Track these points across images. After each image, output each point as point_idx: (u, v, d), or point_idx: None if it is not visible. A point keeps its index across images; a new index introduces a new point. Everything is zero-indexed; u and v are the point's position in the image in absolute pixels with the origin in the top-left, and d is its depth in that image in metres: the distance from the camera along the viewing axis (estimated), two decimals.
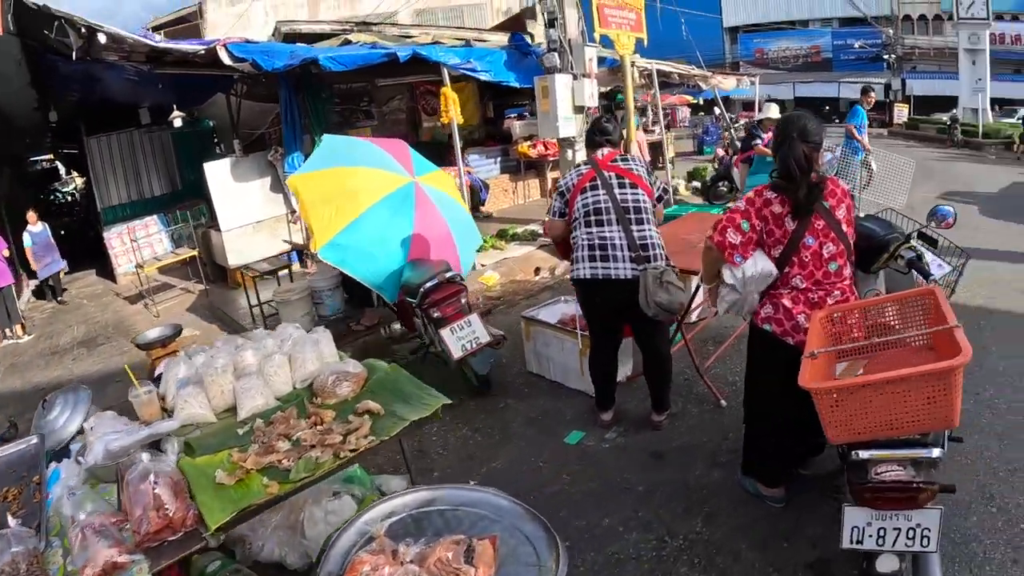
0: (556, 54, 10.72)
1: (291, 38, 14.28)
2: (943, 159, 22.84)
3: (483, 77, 11.61)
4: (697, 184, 16.64)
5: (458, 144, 11.19)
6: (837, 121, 43.50)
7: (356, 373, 3.88)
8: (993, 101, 30.82)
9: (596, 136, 5.04)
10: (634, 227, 4.63)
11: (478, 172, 15.50)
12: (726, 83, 17.34)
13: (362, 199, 6.55)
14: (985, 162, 22.53)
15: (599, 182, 4.74)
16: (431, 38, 13.90)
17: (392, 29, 15.70)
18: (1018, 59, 42.39)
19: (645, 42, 12.11)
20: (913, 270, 3.82)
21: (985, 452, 4.55)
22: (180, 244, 14.01)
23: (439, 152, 12.21)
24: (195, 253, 12.26)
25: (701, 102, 38.17)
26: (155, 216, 14.69)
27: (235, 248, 11.12)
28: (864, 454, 2.82)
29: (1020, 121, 33.41)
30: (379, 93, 15.81)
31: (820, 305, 3.44)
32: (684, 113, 39.39)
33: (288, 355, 4.01)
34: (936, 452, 2.77)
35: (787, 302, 3.52)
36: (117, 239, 14.27)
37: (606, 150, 4.96)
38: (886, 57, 40.97)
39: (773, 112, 11.81)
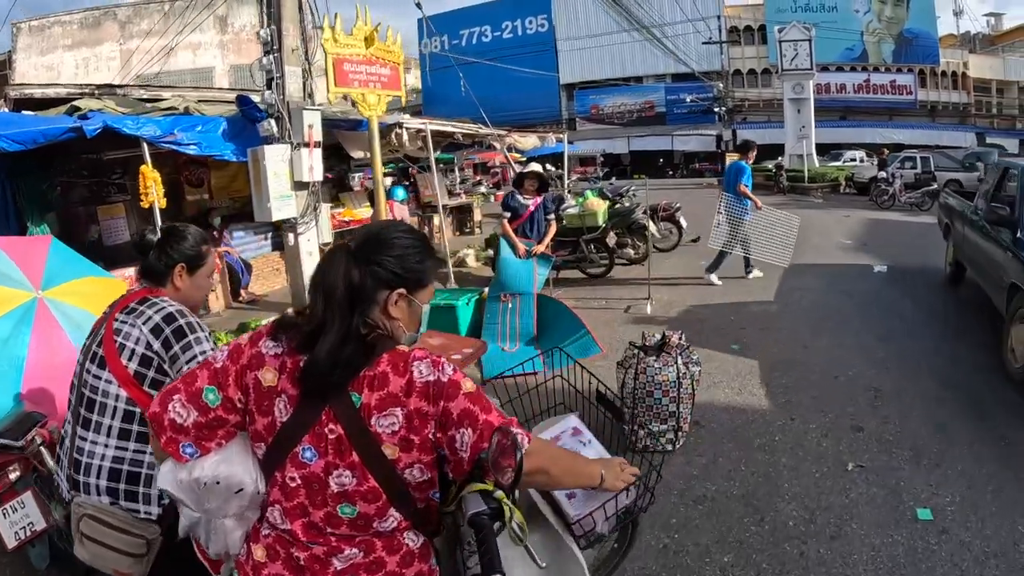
0: (274, 121, 8.63)
1: (22, 104, 11.86)
2: (767, 207, 21.31)
3: (190, 151, 9.35)
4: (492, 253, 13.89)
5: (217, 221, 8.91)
6: (668, 172, 44.87)
7: None
8: (821, 147, 30.62)
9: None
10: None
11: (243, 251, 12.59)
12: (524, 141, 14.98)
13: None
14: (811, 206, 21.32)
15: None
16: (183, 103, 11.10)
17: (140, 92, 13.01)
18: (843, 106, 43.84)
19: (403, 101, 10.45)
20: None
21: None
22: None
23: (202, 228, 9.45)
24: None
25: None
26: None
27: None
28: None
29: (845, 163, 33.89)
30: (136, 163, 12.71)
31: (310, 571, 1.66)
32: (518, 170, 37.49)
33: None
34: None
35: (258, 552, 1.73)
36: None
37: None
38: (717, 110, 41.03)
39: (533, 166, 9.70)
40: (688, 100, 44.39)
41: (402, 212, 10.26)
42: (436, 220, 16.63)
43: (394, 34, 9.73)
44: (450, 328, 7.59)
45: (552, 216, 7.88)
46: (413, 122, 11.55)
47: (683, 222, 12.95)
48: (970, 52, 48.63)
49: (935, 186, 21.59)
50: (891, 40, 45.37)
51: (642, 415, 4.61)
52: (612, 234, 10.72)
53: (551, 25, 48.85)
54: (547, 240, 7.67)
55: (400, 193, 10.50)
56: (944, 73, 45.91)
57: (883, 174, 22.95)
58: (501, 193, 28.50)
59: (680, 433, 4.68)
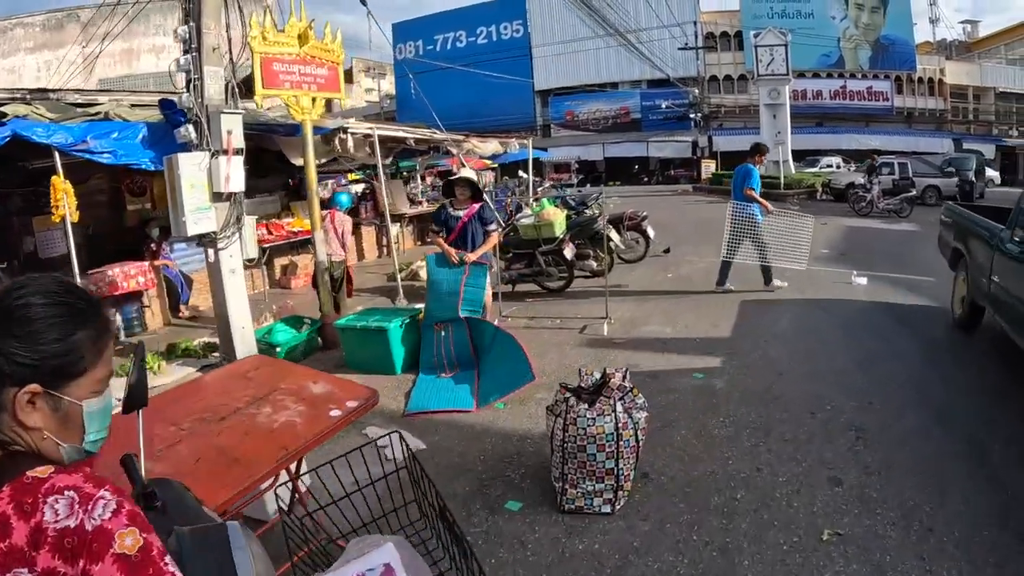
0: (192, 126, 7.62)
1: None
2: (777, 208, 20.77)
3: (103, 160, 8.39)
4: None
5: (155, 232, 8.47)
6: (644, 180, 44.51)
7: None
8: (797, 153, 30.09)
9: None
10: None
11: (185, 263, 11.65)
12: (484, 147, 14.14)
13: None
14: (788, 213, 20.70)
15: None
16: (116, 107, 10.15)
17: (75, 97, 11.99)
18: (819, 112, 43.49)
19: (343, 103, 9.31)
20: None
21: None
22: None
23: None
24: None
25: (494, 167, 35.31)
26: None
27: None
28: None
29: (821, 169, 33.42)
30: (78, 170, 11.66)
31: None
32: (487, 178, 36.80)
33: None
34: None
35: None
36: None
37: None
38: (693, 116, 40.49)
39: (464, 172, 8.89)
40: (664, 106, 43.89)
41: (343, 223, 9.37)
42: (395, 230, 15.88)
43: (333, 31, 8.94)
44: (381, 356, 6.78)
45: (492, 227, 7.05)
46: (359, 127, 10.69)
47: (650, 232, 12.17)
48: (947, 59, 48.49)
49: (914, 192, 21.07)
50: (868, 47, 45.08)
51: (573, 473, 3.78)
52: (571, 245, 9.89)
53: (526, 31, 48.18)
54: (481, 250, 6.83)
55: (344, 200, 9.60)
56: (921, 79, 45.70)
57: (861, 180, 22.37)
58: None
59: (620, 492, 3.84)
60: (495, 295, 7.45)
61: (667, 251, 12.92)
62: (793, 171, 27.91)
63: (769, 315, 8.34)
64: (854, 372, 6.07)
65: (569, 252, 9.77)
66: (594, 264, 10.83)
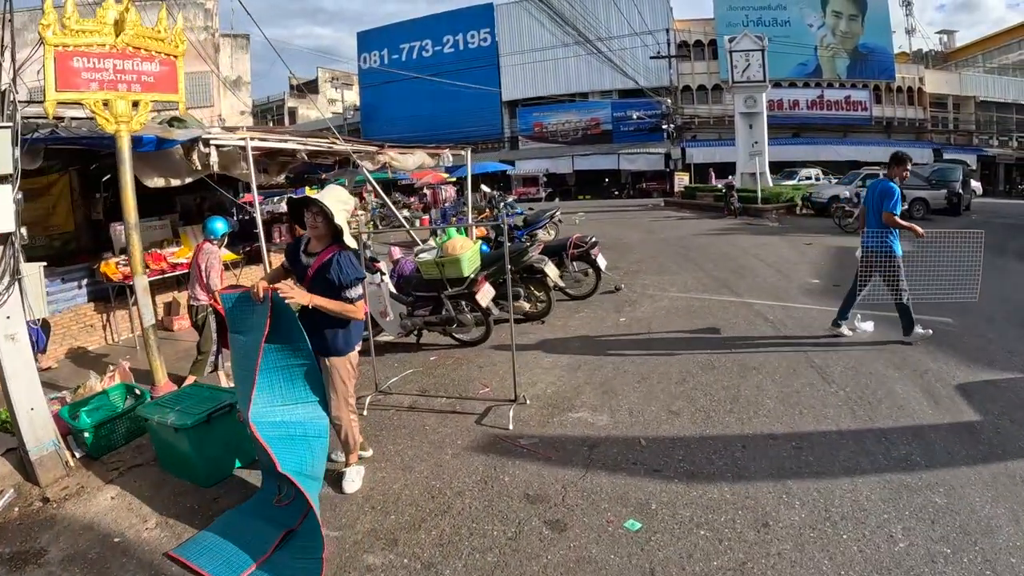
0: None
1: None
2: (715, 232, 18.52)
3: None
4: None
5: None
6: (615, 193, 42.47)
7: None
8: (773, 165, 27.96)
9: None
10: None
11: (50, 303, 9.11)
12: (404, 160, 11.47)
13: None
14: (764, 231, 18.43)
15: None
16: None
17: None
18: (796, 123, 41.52)
19: (181, 107, 7.43)
20: None
21: None
22: None
23: None
24: None
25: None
26: None
27: None
28: None
29: (800, 181, 31.34)
30: None
31: None
32: (449, 192, 34.46)
33: None
34: None
35: None
36: None
37: None
38: (666, 127, 38.36)
39: (332, 189, 6.48)
40: (635, 117, 41.75)
41: (208, 256, 6.92)
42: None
43: (172, 18, 6.61)
44: (184, 460, 4.56)
45: (352, 294, 4.14)
46: (225, 137, 8.17)
47: (602, 262, 9.76)
48: (926, 68, 46.86)
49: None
50: (845, 55, 43.35)
51: None
52: (485, 287, 7.42)
53: (494, 40, 45.96)
54: (321, 301, 4.02)
55: (217, 228, 7.11)
56: (900, 89, 43.99)
57: (846, 193, 20.16)
58: (427, 218, 25.09)
59: None
60: (363, 352, 4.78)
61: (617, 289, 10.53)
62: (770, 184, 25.72)
63: (751, 382, 5.92)
64: (875, 489, 3.70)
65: (484, 296, 7.31)
66: (526, 305, 8.44)
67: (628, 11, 38.94)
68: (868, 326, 7.62)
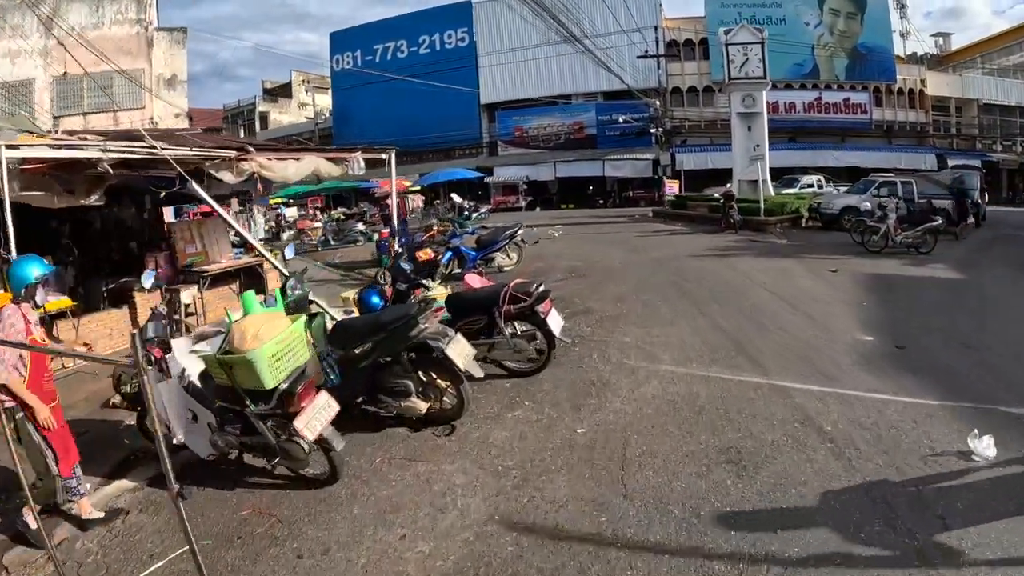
0: None
1: None
2: (714, 253, 15.17)
3: None
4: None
5: None
6: (599, 202, 38.87)
7: None
8: (771, 171, 24.52)
9: None
10: None
11: None
12: (284, 169, 7.92)
13: None
14: (772, 251, 15.12)
15: None
16: None
17: None
18: (792, 127, 38.17)
19: None
20: None
21: None
22: None
23: None
24: None
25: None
26: None
27: None
28: None
29: (802, 189, 28.06)
30: None
31: None
32: (416, 203, 31.09)
33: None
34: None
35: None
36: None
37: None
38: (654, 131, 35.02)
39: None
40: (622, 120, 38.25)
41: (9, 320, 3.44)
42: (188, 295, 10.01)
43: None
44: None
45: None
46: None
47: (555, 323, 6.32)
48: (928, 69, 43.67)
49: (939, 221, 15.59)
50: (844, 55, 40.09)
51: None
52: (314, 397, 3.96)
53: (472, 40, 42.53)
54: None
55: (31, 272, 3.71)
56: (900, 91, 40.77)
57: (866, 205, 16.84)
58: (386, 231, 21.47)
59: None
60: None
61: (573, 345, 7.16)
62: (771, 192, 22.34)
63: None
64: None
65: (311, 420, 3.87)
66: (422, 405, 5.04)
67: (614, 7, 35.47)
68: (986, 447, 4.30)
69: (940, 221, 15.49)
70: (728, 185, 22.91)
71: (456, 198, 28.92)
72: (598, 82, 39.47)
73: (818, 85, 39.97)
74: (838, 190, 26.47)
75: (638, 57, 34.29)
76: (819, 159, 36.61)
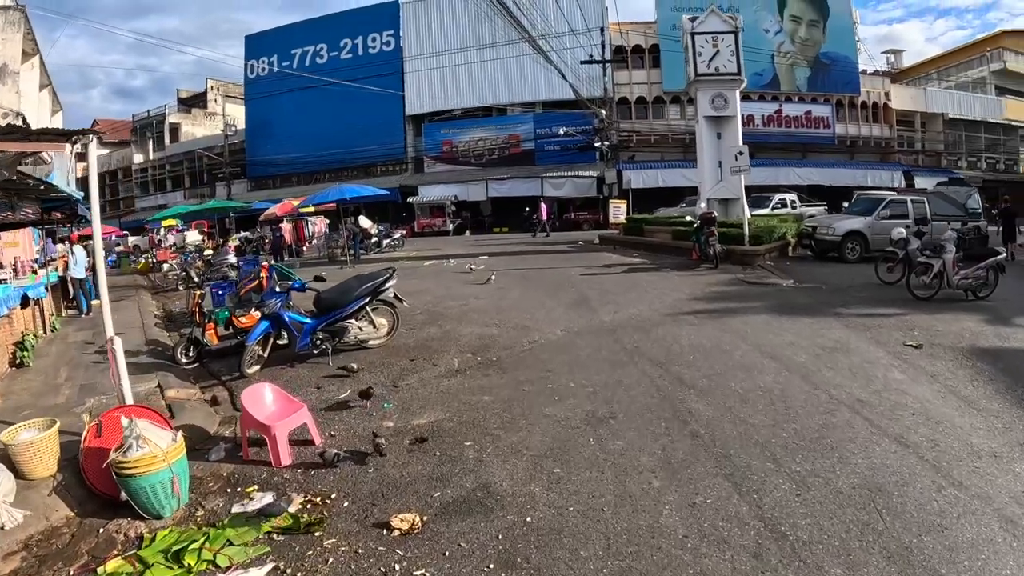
0: None
1: None
2: (705, 308, 9.87)
3: None
4: None
5: None
6: (539, 232, 32.77)
7: None
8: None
9: None
10: None
11: None
12: None
13: None
14: (792, 307, 9.92)
15: None
16: None
17: None
18: (752, 142, 33.25)
19: None
20: None
21: None
22: None
23: None
24: None
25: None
26: None
27: None
28: None
29: (774, 210, 23.44)
30: None
31: None
32: (319, 227, 25.36)
33: None
34: None
35: None
36: None
37: None
38: (598, 145, 29.96)
39: None
40: (563, 133, 33.09)
41: None
42: None
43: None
44: None
45: None
46: None
47: None
48: (892, 81, 39.89)
49: (1002, 255, 10.84)
50: (806, 65, 35.93)
51: None
52: None
53: (398, 44, 37.04)
54: None
55: None
56: (864, 104, 36.80)
57: (899, 232, 11.93)
58: (266, 264, 15.96)
59: None
60: None
61: None
62: (748, 213, 17.25)
63: None
64: None
65: None
66: None
67: (555, 9, 30.34)
68: None
69: (1003, 256, 10.74)
70: (702, 205, 17.74)
71: (364, 221, 23.34)
72: (537, 91, 34.62)
73: (778, 96, 35.69)
74: (827, 210, 21.91)
75: (582, 62, 29.24)
76: (780, 176, 32.15)
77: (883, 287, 11.53)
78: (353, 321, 7.30)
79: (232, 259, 15.98)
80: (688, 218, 16.72)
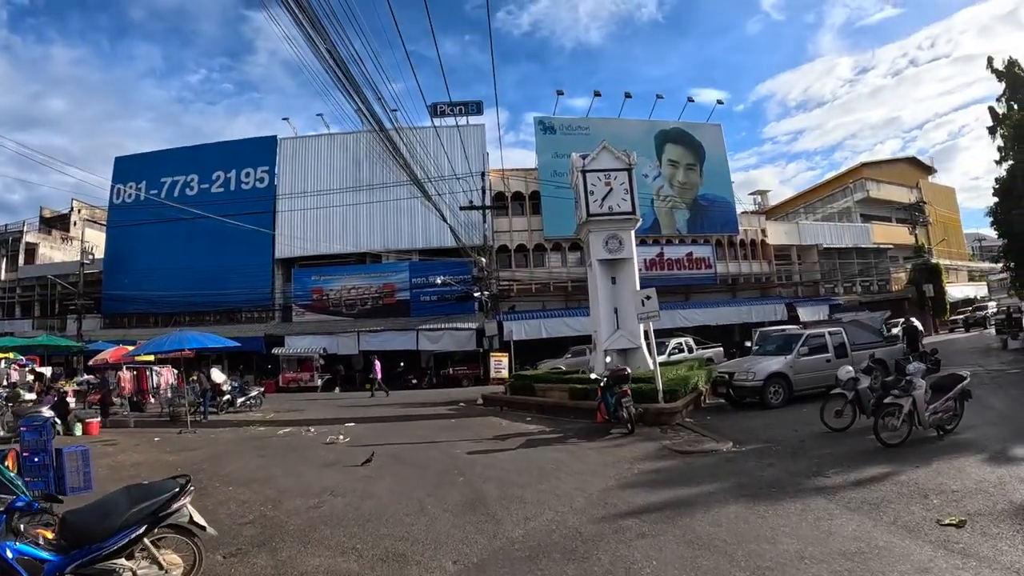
0: None
1: None
2: (655, 513, 7.09)
3: None
4: None
5: None
6: (412, 382, 29.56)
7: None
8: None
9: None
10: None
11: None
12: None
13: None
14: (759, 489, 7.18)
15: None
16: None
17: None
18: (642, 286, 32.32)
19: None
20: None
21: None
22: None
23: None
24: None
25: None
26: None
27: None
28: None
29: (670, 355, 21.68)
30: None
31: None
32: (165, 378, 21.37)
33: None
34: None
35: None
36: None
37: None
38: (478, 295, 27.85)
39: None
40: (440, 283, 30.82)
41: None
42: None
43: None
44: None
45: None
46: None
47: None
48: (766, 218, 40.87)
49: (967, 378, 8.97)
50: (685, 208, 36.10)
51: None
52: None
53: (272, 181, 34.47)
54: None
55: None
56: (743, 242, 37.06)
57: (848, 371, 9.97)
58: (96, 421, 11.95)
59: None
60: None
61: None
62: (650, 363, 14.95)
63: None
64: None
65: None
66: None
67: (436, 153, 28.71)
68: None
69: (968, 377, 8.98)
70: (607, 360, 15.29)
71: (216, 375, 19.53)
72: (414, 238, 32.91)
73: (659, 240, 35.37)
74: (733, 352, 20.28)
75: (462, 208, 27.68)
76: (666, 320, 30.80)
77: (837, 437, 9.50)
78: (123, 561, 4.07)
79: (46, 412, 11.72)
80: (593, 376, 14.14)
